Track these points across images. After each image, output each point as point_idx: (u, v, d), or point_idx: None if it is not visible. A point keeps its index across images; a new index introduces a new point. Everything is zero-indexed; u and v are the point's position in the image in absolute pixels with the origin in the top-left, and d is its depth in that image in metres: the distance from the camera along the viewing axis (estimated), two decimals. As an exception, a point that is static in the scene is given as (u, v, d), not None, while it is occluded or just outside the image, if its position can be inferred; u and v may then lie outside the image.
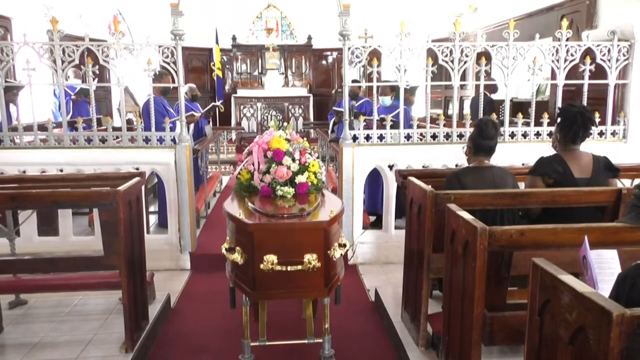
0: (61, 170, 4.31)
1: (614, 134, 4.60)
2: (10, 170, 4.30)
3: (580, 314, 1.31)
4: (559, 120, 3.01)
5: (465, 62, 4.38)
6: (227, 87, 12.48)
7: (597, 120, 3.93)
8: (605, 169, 2.96)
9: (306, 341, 2.89)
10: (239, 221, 2.47)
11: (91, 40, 4.29)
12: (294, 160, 2.99)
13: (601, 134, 4.57)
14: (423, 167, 4.37)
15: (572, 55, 4.42)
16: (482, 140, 3.08)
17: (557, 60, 4.43)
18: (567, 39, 4.40)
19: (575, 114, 2.91)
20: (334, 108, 7.55)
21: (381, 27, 10.14)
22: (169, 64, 4.28)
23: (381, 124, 4.54)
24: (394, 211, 4.63)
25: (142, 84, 5.62)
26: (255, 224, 2.49)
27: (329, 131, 7.28)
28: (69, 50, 4.22)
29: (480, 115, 4.36)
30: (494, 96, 6.82)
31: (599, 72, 4.46)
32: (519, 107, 6.38)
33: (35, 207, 3.51)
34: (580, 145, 2.99)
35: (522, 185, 3.54)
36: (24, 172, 4.28)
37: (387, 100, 5.55)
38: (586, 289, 1.33)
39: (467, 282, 2.18)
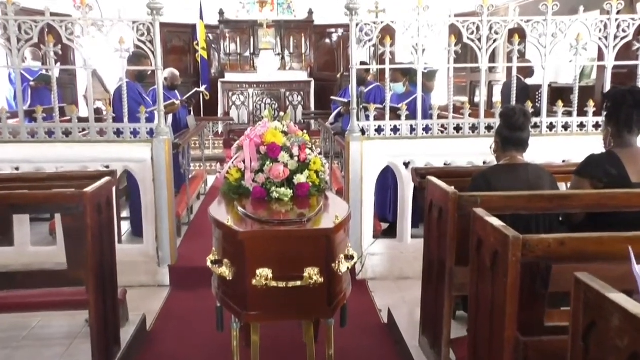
0: (17, 169, 4.32)
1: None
2: (-44, 168, 4.32)
3: (633, 339, 1.31)
4: (606, 107, 2.95)
5: (494, 41, 4.36)
6: (213, 71, 12.51)
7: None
8: None
9: (306, 370, 2.89)
10: (228, 228, 2.48)
11: (52, 14, 4.30)
12: (292, 156, 3.00)
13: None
14: (444, 164, 4.38)
15: (623, 31, 4.39)
16: (510, 132, 3.07)
17: (606, 38, 4.41)
18: (618, 12, 4.38)
19: (623, 93, 2.85)
20: (334, 98, 7.56)
21: (395, 0, 10.14)
22: (144, 43, 4.27)
23: (395, 114, 4.54)
24: (410, 217, 4.64)
25: (113, 67, 5.64)
26: (247, 231, 2.49)
27: (329, 122, 7.30)
28: (26, 26, 4.22)
29: (513, 103, 4.36)
30: (530, 81, 6.80)
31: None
32: (559, 93, 6.37)
33: (-14, 212, 3.52)
34: (638, 136, 2.91)
35: (562, 187, 3.54)
36: (-27, 170, 4.30)
37: (400, 87, 5.54)
38: (640, 309, 1.33)
39: (496, 300, 2.18)
